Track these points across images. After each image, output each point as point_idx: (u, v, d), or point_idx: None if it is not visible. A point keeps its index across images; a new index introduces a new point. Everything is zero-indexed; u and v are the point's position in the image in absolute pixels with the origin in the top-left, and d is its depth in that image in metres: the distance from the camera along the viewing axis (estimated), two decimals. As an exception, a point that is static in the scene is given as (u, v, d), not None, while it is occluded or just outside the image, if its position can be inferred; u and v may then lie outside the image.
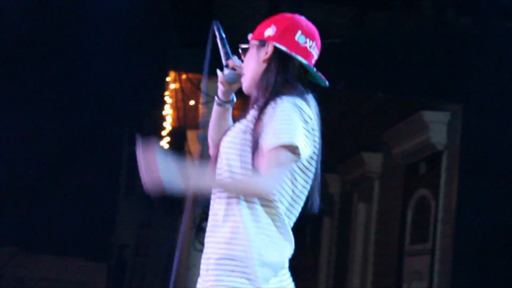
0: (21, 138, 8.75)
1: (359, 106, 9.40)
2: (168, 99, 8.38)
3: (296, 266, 9.03)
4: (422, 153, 8.59)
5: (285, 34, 2.90)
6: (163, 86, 8.35)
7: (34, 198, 9.50)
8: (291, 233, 2.77)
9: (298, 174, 2.76)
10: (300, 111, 2.77)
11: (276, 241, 2.71)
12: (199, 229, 7.26)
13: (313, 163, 2.83)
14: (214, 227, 2.74)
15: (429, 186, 8.47)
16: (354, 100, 9.24)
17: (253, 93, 2.89)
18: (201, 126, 8.24)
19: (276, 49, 2.84)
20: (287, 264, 2.78)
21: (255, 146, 2.74)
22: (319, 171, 2.92)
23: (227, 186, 2.75)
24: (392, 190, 9.74)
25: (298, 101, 2.80)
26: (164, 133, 8.85)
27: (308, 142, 2.77)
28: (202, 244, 8.39)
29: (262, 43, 2.88)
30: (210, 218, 2.81)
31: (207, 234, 2.78)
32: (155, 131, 9.42)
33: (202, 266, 2.75)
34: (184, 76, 7.98)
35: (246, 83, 2.87)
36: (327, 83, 2.93)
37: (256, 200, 2.70)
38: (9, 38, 7.97)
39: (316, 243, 12.49)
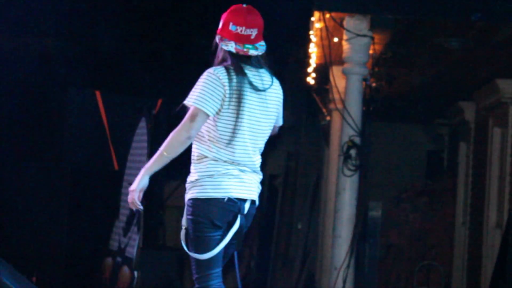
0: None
1: (494, 36, 8.60)
2: (313, 38, 8.27)
3: (434, 189, 9.70)
4: (557, 76, 8.08)
5: (223, 27, 3.66)
6: (308, 25, 8.28)
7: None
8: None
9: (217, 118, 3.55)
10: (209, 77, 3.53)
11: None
12: (347, 157, 7.24)
13: (225, 107, 3.51)
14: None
15: None
16: (488, 30, 8.50)
17: None
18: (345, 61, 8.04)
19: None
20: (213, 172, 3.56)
21: None
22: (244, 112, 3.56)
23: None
24: (527, 114, 9.47)
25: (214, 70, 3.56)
26: (309, 69, 8.82)
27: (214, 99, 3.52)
28: (350, 170, 9.04)
29: (218, 36, 3.69)
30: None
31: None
32: (300, 68, 9.38)
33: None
34: (327, 15, 7.90)
35: None
36: (259, 52, 3.62)
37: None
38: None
39: (453, 167, 12.30)
